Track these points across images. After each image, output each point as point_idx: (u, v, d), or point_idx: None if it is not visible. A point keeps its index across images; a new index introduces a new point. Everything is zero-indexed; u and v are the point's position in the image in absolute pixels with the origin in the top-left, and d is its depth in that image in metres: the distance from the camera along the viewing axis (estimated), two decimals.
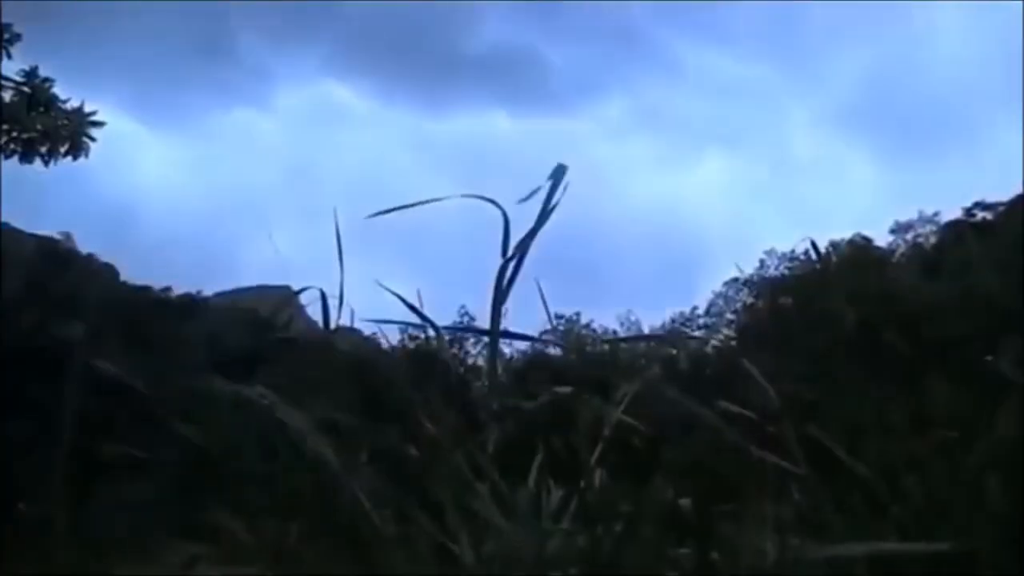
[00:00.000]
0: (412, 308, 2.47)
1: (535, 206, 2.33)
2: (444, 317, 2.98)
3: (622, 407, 2.38)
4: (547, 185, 2.31)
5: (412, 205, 2.37)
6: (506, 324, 2.49)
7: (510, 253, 2.29)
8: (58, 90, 8.72)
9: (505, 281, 2.29)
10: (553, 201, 2.32)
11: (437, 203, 2.39)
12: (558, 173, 2.33)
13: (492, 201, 2.30)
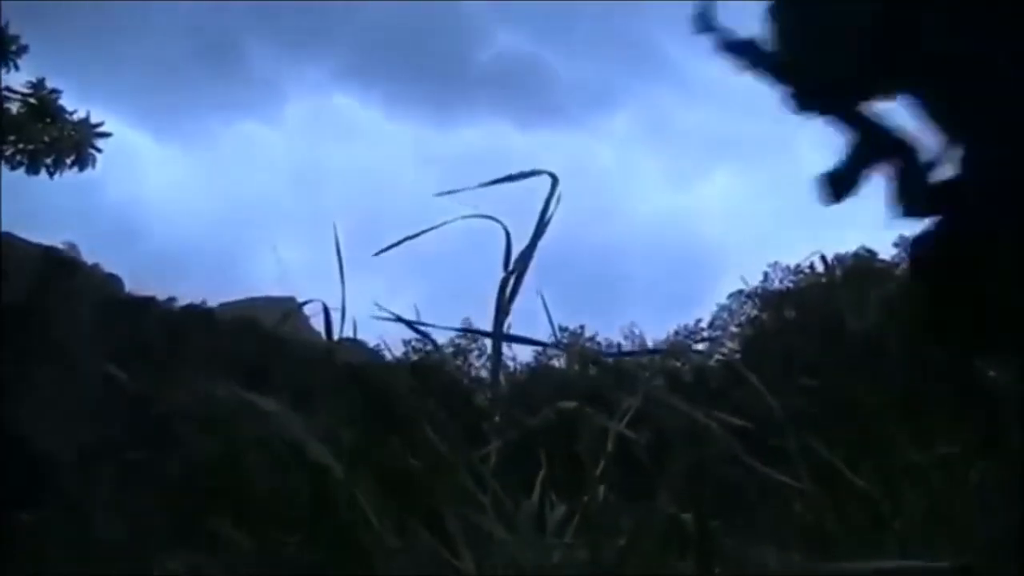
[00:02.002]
0: (411, 325, 2.49)
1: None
2: (447, 329, 2.99)
3: (626, 420, 2.38)
4: (536, 190, 2.34)
5: (417, 235, 2.41)
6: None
7: (511, 266, 2.30)
8: (64, 101, 8.76)
9: (507, 294, 2.30)
10: (549, 213, 2.33)
11: (440, 218, 2.42)
12: (531, 174, 2.36)
13: (491, 218, 2.33)
